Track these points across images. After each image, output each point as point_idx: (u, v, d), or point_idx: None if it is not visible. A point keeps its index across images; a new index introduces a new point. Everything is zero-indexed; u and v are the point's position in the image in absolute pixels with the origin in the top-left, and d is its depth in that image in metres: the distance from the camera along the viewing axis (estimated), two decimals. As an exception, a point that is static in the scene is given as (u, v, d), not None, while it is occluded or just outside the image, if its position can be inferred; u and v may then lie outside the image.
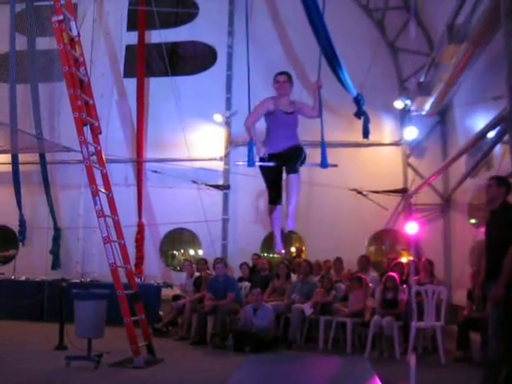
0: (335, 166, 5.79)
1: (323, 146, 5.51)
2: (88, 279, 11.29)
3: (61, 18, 7.44)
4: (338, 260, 9.52)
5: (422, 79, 9.78)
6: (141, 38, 12.26)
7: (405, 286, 8.24)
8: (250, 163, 5.20)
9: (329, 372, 6.84)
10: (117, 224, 7.56)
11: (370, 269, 9.35)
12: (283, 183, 5.33)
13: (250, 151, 5.23)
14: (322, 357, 7.83)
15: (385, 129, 11.44)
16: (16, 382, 5.74)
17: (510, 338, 4.79)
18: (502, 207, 5.11)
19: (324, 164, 5.50)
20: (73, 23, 7.77)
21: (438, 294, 7.66)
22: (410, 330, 7.41)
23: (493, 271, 4.95)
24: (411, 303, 7.57)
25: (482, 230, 5.46)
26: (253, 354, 7.62)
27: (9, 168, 12.15)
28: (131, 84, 12.31)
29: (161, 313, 10.02)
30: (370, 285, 8.64)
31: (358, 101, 7.95)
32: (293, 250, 12.55)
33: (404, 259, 10.13)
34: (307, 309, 8.45)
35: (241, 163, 5.49)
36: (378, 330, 7.70)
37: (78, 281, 10.88)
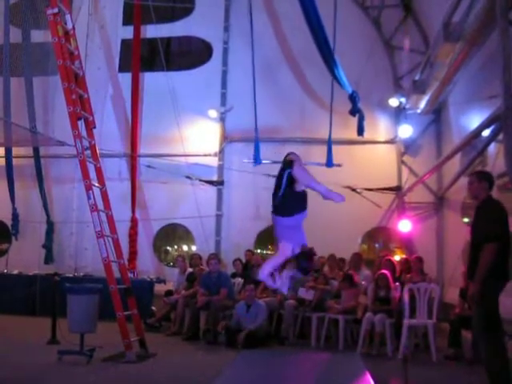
0: (339, 165, 5.85)
1: (329, 145, 5.53)
2: (81, 274, 11.28)
3: (56, 10, 7.40)
4: (332, 257, 9.53)
5: (417, 77, 9.80)
6: (136, 32, 12.20)
7: (397, 283, 8.27)
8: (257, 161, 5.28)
9: (321, 368, 6.85)
10: (110, 218, 7.55)
11: (362, 266, 9.36)
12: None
13: (257, 150, 5.31)
14: (315, 353, 7.84)
15: (379, 126, 11.46)
16: (8, 376, 5.72)
17: (496, 336, 4.70)
18: (485, 203, 4.94)
19: (329, 163, 5.53)
20: (68, 16, 7.73)
21: (430, 292, 7.69)
22: (402, 327, 7.43)
23: (473, 270, 4.77)
24: (403, 301, 7.59)
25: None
26: (245, 349, 7.62)
27: (2, 161, 12.10)
28: (126, 78, 12.26)
29: (153, 308, 10.02)
30: (363, 282, 8.66)
31: (353, 98, 7.99)
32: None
33: (397, 257, 10.16)
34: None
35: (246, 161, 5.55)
36: (370, 327, 7.73)
37: (70, 275, 10.86)
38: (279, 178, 4.95)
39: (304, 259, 4.99)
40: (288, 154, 5.21)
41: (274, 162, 5.24)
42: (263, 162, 5.50)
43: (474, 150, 7.80)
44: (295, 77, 11.72)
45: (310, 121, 11.42)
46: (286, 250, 4.92)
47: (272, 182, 9.76)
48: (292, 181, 4.83)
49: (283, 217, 4.92)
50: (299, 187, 4.88)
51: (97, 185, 7.46)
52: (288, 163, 4.93)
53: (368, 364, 6.45)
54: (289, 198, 4.86)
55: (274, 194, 4.95)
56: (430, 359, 7.14)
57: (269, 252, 13.24)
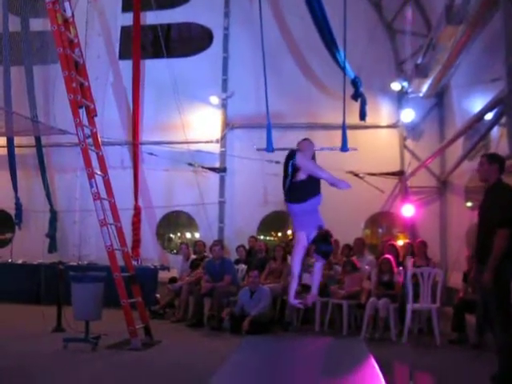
0: (355, 149, 5.83)
1: (344, 129, 5.50)
2: (85, 262, 11.31)
3: (54, -2, 7.35)
4: (335, 242, 9.53)
5: (419, 61, 9.73)
6: (136, 19, 12.09)
7: (401, 268, 8.28)
8: (269, 148, 5.28)
9: (325, 353, 6.87)
10: (113, 207, 7.55)
11: (365, 251, 9.36)
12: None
13: (269, 137, 5.29)
14: (319, 338, 7.87)
15: (382, 111, 11.39)
16: (14, 364, 5.76)
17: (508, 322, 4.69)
18: (495, 186, 4.90)
19: (344, 147, 5.52)
20: (67, 4, 7.68)
21: (433, 277, 7.69)
22: (406, 311, 7.45)
23: (483, 253, 4.77)
24: (407, 285, 7.60)
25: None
26: (250, 335, 7.66)
27: (4, 151, 12.09)
28: (127, 66, 12.19)
29: (158, 295, 10.05)
30: (366, 267, 8.67)
31: (355, 83, 7.94)
32: (289, 232, 12.57)
33: (400, 242, 10.16)
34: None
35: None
36: (374, 311, 7.75)
37: (75, 264, 10.90)
38: (285, 167, 4.95)
39: (322, 242, 4.97)
40: (303, 140, 5.20)
41: (285, 149, 5.21)
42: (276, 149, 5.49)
43: (477, 133, 7.76)
44: (297, 62, 11.63)
45: (312, 106, 11.36)
46: (301, 239, 4.93)
47: (275, 167, 9.81)
48: (297, 169, 4.84)
49: (296, 203, 4.93)
50: (302, 175, 4.87)
51: (99, 173, 7.45)
52: (293, 153, 4.94)
53: (372, 348, 6.47)
54: (299, 184, 4.86)
55: (284, 183, 4.96)
56: (434, 343, 7.18)
57: (272, 238, 13.28)
